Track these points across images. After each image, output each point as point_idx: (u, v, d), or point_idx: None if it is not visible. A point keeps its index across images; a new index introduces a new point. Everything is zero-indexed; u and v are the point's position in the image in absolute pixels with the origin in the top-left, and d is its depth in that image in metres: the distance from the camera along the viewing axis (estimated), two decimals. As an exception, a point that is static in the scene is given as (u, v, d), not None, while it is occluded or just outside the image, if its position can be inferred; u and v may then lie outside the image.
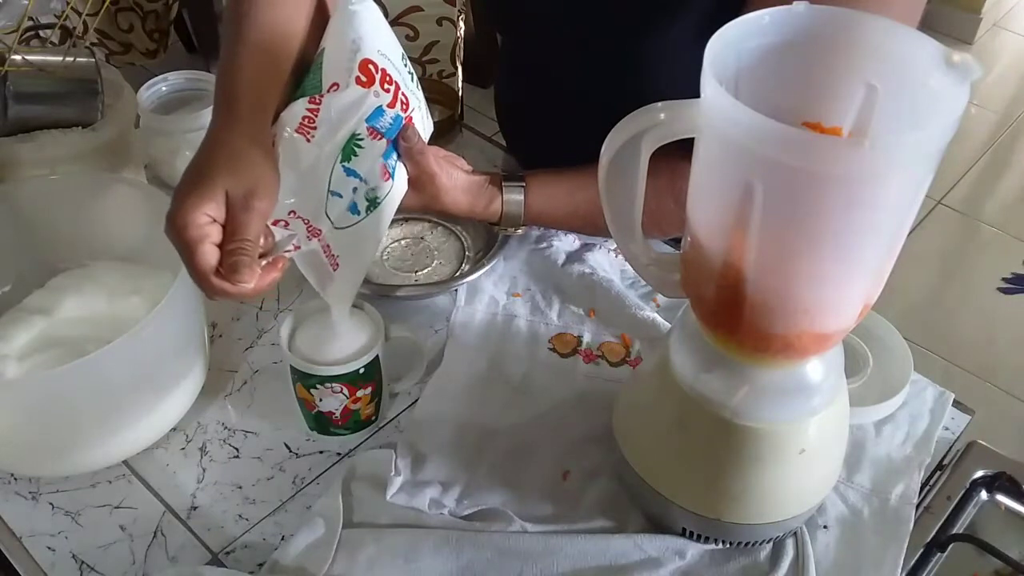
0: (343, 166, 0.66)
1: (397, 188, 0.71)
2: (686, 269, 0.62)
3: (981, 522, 0.74)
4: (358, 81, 0.66)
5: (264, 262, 0.62)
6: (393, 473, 0.71)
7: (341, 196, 0.66)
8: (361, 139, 0.66)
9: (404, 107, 0.69)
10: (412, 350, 0.78)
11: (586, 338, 0.85)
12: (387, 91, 0.68)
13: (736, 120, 0.48)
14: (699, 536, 0.68)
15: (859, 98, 0.55)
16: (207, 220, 0.60)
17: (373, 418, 0.76)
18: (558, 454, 0.75)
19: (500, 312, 0.87)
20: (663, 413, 0.67)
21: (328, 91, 0.66)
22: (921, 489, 0.73)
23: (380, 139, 0.67)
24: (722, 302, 0.58)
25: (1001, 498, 0.75)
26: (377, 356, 0.71)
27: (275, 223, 0.66)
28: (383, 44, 0.70)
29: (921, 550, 0.71)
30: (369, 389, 0.72)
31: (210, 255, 0.60)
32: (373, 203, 0.68)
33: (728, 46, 0.52)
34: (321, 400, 0.71)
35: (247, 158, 0.63)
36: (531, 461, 0.74)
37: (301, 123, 0.65)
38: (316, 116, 0.66)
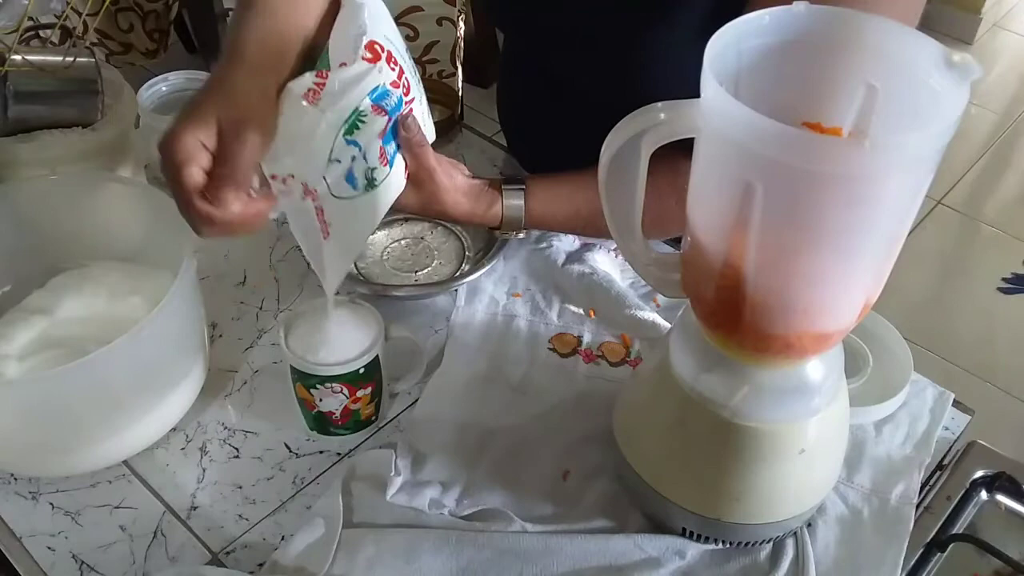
0: (345, 138, 0.67)
1: (394, 179, 0.71)
2: (686, 269, 0.62)
3: (981, 522, 0.74)
4: (364, 59, 0.67)
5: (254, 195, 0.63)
6: (393, 473, 0.71)
7: (340, 162, 0.67)
8: (365, 115, 0.67)
9: (406, 92, 0.70)
10: (412, 350, 0.78)
11: (586, 338, 0.85)
12: (392, 70, 0.69)
13: (736, 120, 0.48)
14: (699, 536, 0.68)
15: (859, 98, 0.55)
16: (196, 145, 0.60)
17: (373, 418, 0.76)
18: (558, 454, 0.75)
19: (500, 312, 0.87)
20: (663, 413, 0.67)
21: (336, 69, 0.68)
22: (921, 489, 0.73)
23: (383, 115, 0.68)
24: (722, 302, 0.58)
25: (1001, 498, 0.75)
26: (377, 356, 0.71)
27: (273, 178, 0.67)
28: (388, 32, 0.71)
29: (921, 550, 0.71)
30: (369, 389, 0.73)
31: (196, 175, 0.60)
32: (371, 183, 0.68)
33: (728, 46, 0.52)
34: (321, 400, 0.71)
35: (242, 92, 0.64)
36: (531, 461, 0.74)
37: (306, 93, 0.67)
38: (322, 89, 0.67)
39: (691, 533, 0.68)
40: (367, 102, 0.66)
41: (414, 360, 0.79)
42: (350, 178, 0.68)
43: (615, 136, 0.58)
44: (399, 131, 0.70)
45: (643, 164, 0.59)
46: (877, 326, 0.82)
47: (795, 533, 0.69)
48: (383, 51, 0.68)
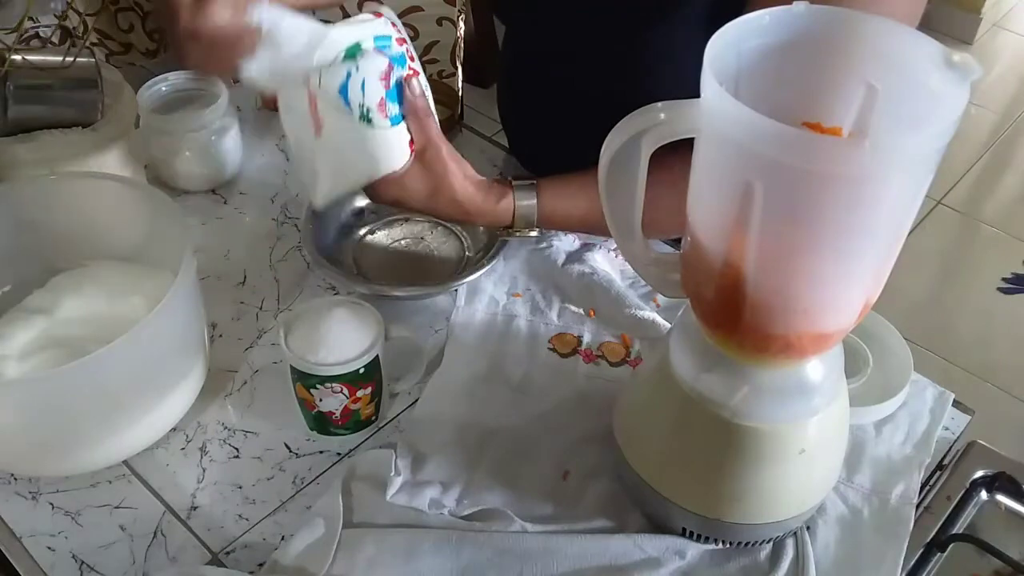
0: (344, 60, 0.69)
1: (395, 139, 0.73)
2: (686, 269, 0.62)
3: (981, 522, 0.74)
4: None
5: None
6: (393, 473, 0.71)
7: (336, 71, 0.69)
8: (365, 51, 0.69)
9: (410, 59, 0.73)
10: (412, 350, 0.78)
11: (586, 338, 0.85)
12: (396, 32, 0.71)
13: (736, 120, 0.48)
14: (699, 536, 0.68)
15: (859, 98, 0.55)
16: None
17: (373, 418, 0.76)
18: (558, 454, 0.75)
19: (500, 312, 0.87)
20: (663, 413, 0.67)
21: None
22: (921, 489, 0.73)
23: (383, 56, 0.70)
24: (722, 302, 0.58)
25: (1001, 498, 0.75)
26: (377, 356, 0.71)
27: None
28: (396, 18, 0.73)
29: (921, 550, 0.71)
30: (369, 389, 0.73)
31: None
32: (364, 116, 0.70)
33: (728, 46, 0.52)
34: (321, 400, 0.71)
35: None
36: (531, 461, 0.74)
37: None
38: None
39: (691, 533, 0.68)
40: (369, 43, 0.69)
41: (414, 360, 0.79)
42: (344, 91, 0.69)
43: (615, 136, 0.58)
44: (405, 95, 0.71)
45: (643, 164, 0.59)
46: (877, 326, 0.82)
47: (795, 533, 0.69)
48: (386, 20, 0.71)
